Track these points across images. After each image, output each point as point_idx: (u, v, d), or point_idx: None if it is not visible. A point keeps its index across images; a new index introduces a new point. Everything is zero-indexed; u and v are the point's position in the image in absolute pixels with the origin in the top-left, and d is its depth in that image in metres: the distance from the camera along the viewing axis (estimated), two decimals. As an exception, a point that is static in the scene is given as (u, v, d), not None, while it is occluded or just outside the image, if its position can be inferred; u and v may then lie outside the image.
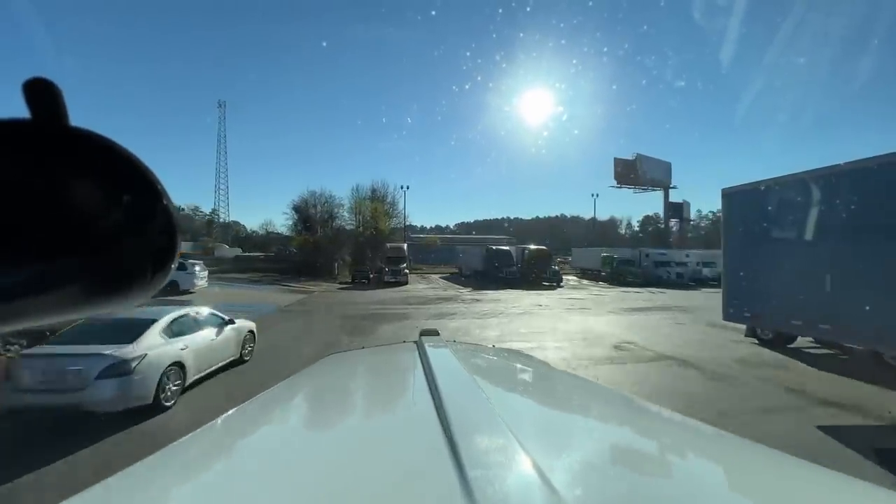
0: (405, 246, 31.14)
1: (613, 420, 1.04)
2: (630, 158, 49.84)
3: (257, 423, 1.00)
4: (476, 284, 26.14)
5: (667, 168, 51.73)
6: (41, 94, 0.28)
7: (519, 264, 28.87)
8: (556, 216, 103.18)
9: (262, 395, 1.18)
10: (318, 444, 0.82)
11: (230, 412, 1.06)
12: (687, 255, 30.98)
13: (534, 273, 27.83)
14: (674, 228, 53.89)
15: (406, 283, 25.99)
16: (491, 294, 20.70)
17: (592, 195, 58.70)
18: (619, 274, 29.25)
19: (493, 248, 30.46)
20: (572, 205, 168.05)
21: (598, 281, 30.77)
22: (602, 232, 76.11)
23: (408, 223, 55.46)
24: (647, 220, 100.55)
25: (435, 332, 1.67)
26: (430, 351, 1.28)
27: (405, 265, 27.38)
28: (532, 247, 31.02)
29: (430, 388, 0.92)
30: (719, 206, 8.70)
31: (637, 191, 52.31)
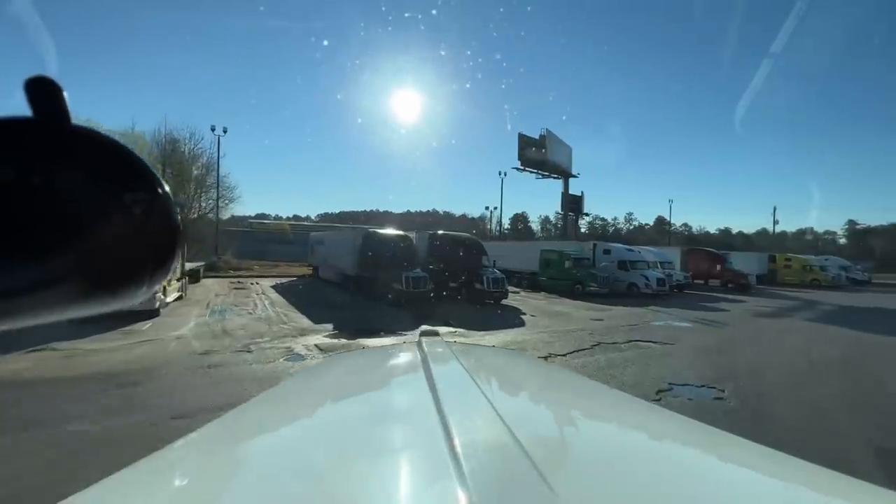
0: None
1: (613, 419, 1.01)
2: (536, 137, 41.45)
3: (260, 422, 0.99)
4: (343, 311, 11.69)
5: (568, 153, 45.16)
6: (43, 92, 0.28)
7: (431, 264, 15.35)
8: (429, 211, 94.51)
9: (264, 395, 1.20)
10: (318, 443, 0.80)
11: (232, 412, 1.07)
12: (639, 252, 22.22)
13: (460, 278, 14.71)
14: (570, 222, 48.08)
15: (157, 310, 9.77)
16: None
17: (500, 174, 48.33)
18: (575, 280, 18.44)
19: (379, 232, 16.20)
20: (444, 201, 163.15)
21: (537, 290, 19.55)
22: (472, 229, 68.91)
23: (259, 212, 37.60)
24: (516, 218, 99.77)
25: (435, 333, 1.58)
26: (430, 350, 1.27)
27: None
28: (446, 232, 17.78)
29: (430, 387, 0.90)
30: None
31: (539, 177, 44.54)
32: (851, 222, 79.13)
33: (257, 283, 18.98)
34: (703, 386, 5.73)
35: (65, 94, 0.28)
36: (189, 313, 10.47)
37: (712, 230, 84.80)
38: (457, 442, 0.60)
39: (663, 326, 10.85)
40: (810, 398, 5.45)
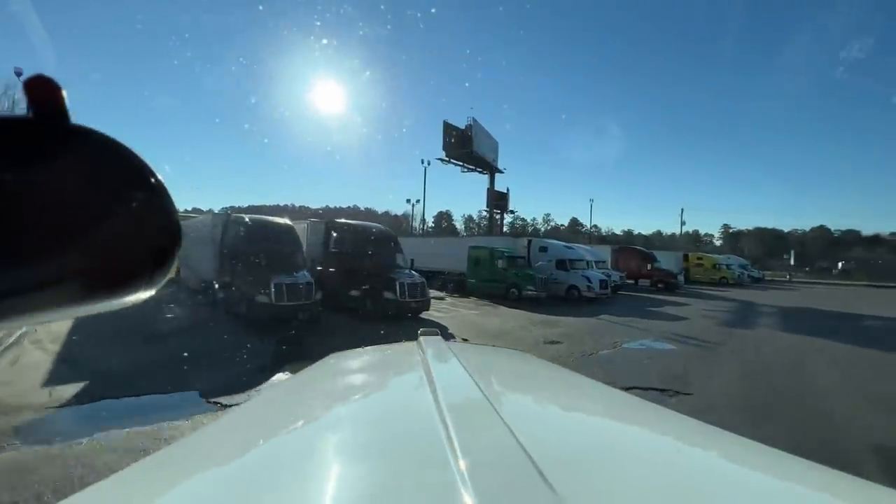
0: None
1: (615, 418, 1.00)
2: (462, 127, 38.48)
3: (258, 422, 0.99)
4: (153, 347, 6.83)
5: (495, 147, 43.06)
6: (42, 91, 0.28)
7: (324, 265, 10.91)
8: (350, 207, 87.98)
9: (262, 395, 1.22)
10: (317, 442, 0.80)
11: (233, 410, 1.10)
12: (571, 249, 20.09)
13: (363, 285, 10.51)
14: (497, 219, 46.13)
15: None
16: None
17: (423, 162, 44.14)
18: (510, 283, 15.38)
19: (248, 220, 11.22)
20: (367, 197, 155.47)
21: (465, 294, 16.22)
22: (395, 226, 64.90)
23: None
24: (441, 216, 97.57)
25: (435, 332, 1.54)
26: (430, 350, 1.26)
27: None
28: (347, 222, 13.32)
29: (430, 387, 0.90)
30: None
31: (465, 170, 41.70)
32: (726, 226, 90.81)
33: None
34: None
35: (64, 92, 0.28)
36: None
37: (618, 231, 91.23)
38: (457, 442, 0.60)
39: (644, 351, 7.91)
40: None
